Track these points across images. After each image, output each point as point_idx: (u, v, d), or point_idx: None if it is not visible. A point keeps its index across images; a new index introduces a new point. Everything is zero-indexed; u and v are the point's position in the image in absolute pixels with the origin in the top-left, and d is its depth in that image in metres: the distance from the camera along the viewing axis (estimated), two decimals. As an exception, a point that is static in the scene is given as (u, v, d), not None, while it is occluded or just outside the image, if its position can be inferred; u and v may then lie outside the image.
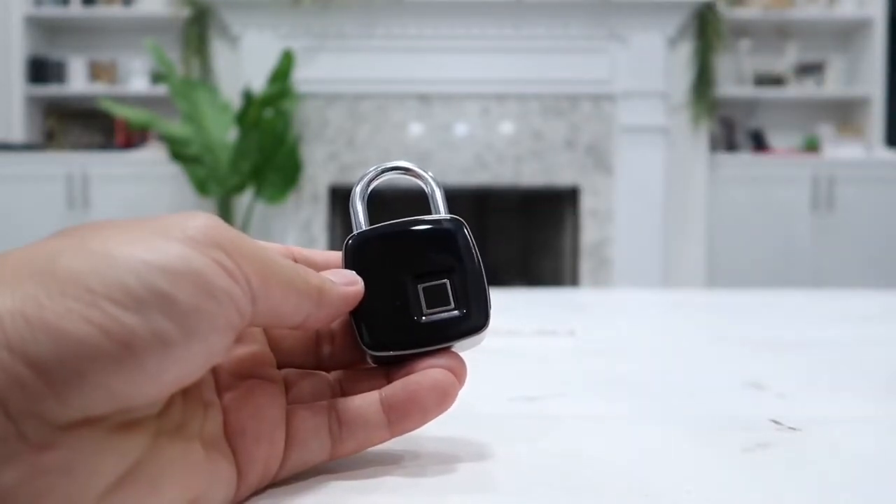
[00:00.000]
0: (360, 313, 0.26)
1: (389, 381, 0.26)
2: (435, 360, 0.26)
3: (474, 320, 0.27)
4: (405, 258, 0.27)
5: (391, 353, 0.26)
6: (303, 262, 0.27)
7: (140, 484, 0.18)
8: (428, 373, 0.25)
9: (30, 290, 0.17)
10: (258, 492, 0.23)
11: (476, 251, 0.27)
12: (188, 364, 0.19)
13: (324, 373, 0.27)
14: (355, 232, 0.28)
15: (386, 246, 0.27)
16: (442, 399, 0.25)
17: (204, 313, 0.19)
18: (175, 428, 0.20)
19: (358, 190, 0.28)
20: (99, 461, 0.17)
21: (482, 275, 0.27)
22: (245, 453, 0.23)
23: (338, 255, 0.27)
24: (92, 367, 0.17)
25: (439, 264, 0.27)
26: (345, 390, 0.27)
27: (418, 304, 0.27)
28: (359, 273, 0.26)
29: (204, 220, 0.20)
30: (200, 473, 0.21)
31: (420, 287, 0.27)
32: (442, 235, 0.27)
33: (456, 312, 0.27)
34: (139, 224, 0.20)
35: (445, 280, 0.27)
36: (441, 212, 0.28)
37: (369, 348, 0.26)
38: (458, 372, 0.26)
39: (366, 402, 0.25)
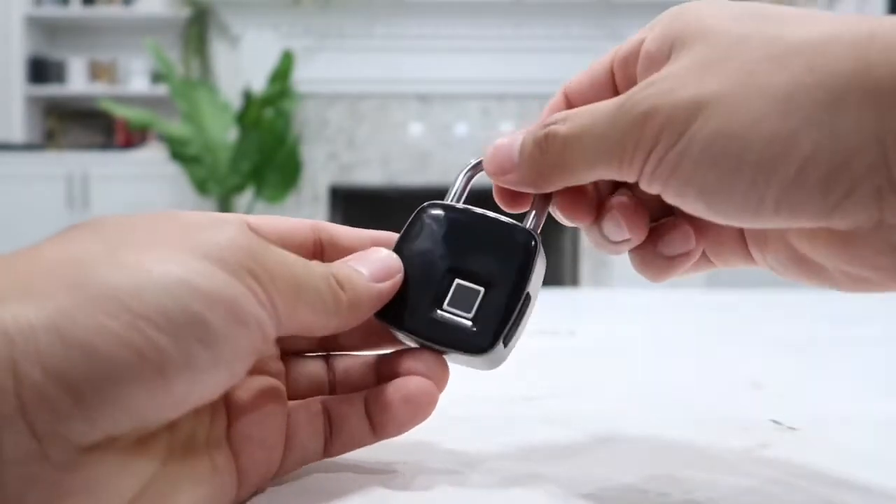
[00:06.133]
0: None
1: (378, 382, 0.26)
2: (415, 364, 0.25)
3: (475, 340, 0.25)
4: (460, 246, 0.26)
5: (393, 329, 0.26)
6: (328, 244, 0.26)
7: (154, 501, 0.18)
8: (402, 384, 0.24)
9: (63, 303, 0.16)
10: (256, 492, 0.23)
11: (531, 277, 0.25)
12: (211, 387, 0.19)
13: (321, 364, 0.27)
14: (440, 202, 0.27)
15: (453, 225, 0.26)
16: (414, 413, 0.24)
17: (233, 340, 0.19)
18: (185, 440, 0.20)
19: (469, 166, 0.28)
20: (117, 481, 0.17)
21: (517, 303, 0.25)
22: (247, 457, 0.22)
23: (368, 235, 0.27)
24: (123, 388, 0.16)
25: (486, 270, 0.25)
26: (339, 385, 0.26)
27: (443, 295, 0.25)
28: (413, 235, 0.26)
29: (235, 236, 0.20)
30: (207, 483, 0.21)
31: (456, 281, 0.25)
32: (508, 245, 0.26)
33: (468, 324, 0.25)
34: (168, 231, 0.20)
35: (481, 289, 0.25)
36: (529, 221, 0.27)
37: (379, 315, 0.25)
38: (438, 378, 0.25)
39: (352, 407, 0.25)
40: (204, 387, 0.18)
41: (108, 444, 0.17)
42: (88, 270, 0.17)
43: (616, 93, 0.25)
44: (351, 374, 0.27)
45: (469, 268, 0.25)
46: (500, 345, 0.25)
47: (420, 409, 0.24)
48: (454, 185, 0.28)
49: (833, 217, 0.19)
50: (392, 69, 3.23)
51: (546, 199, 0.26)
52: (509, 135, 0.25)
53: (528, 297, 0.25)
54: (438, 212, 0.26)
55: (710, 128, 0.20)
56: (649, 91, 0.22)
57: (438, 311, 0.25)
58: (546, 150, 0.24)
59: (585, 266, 3.28)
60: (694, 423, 0.32)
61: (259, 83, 3.03)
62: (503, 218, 0.26)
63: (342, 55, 3.22)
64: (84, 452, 0.16)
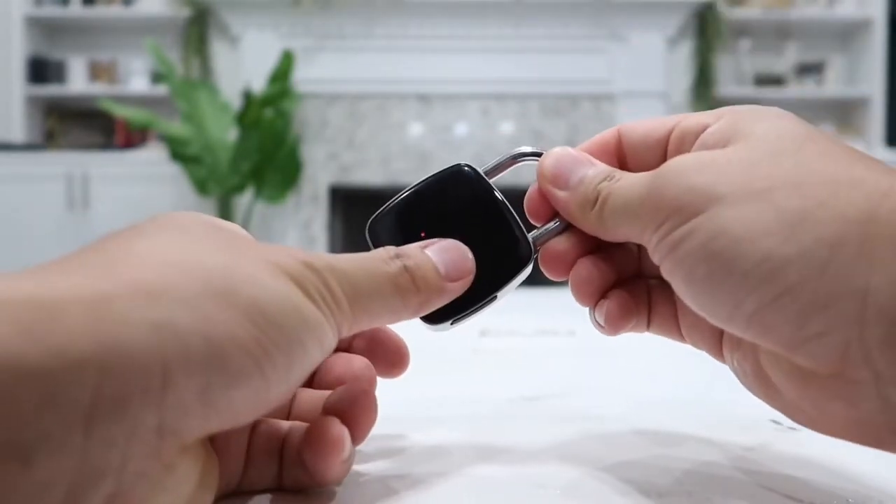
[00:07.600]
0: None
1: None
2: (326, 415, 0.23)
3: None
4: (471, 220, 0.27)
5: (373, 245, 0.26)
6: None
7: (200, 496, 0.19)
8: (311, 429, 0.23)
9: (210, 312, 0.17)
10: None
11: (507, 285, 0.26)
12: (284, 400, 0.20)
13: None
14: (477, 170, 0.28)
15: (475, 199, 0.27)
16: (324, 457, 0.22)
17: (315, 362, 0.20)
18: (206, 440, 0.21)
19: (519, 151, 0.28)
20: (190, 479, 0.18)
21: (482, 300, 0.26)
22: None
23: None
24: (237, 393, 0.17)
25: (476, 255, 0.25)
26: (292, 414, 0.25)
27: None
28: (441, 184, 0.27)
29: (300, 255, 0.20)
30: (217, 476, 0.21)
31: None
32: (507, 247, 0.26)
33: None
34: (242, 242, 0.21)
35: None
36: (538, 233, 0.27)
37: (370, 230, 0.27)
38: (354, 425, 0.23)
39: (293, 437, 0.23)
40: (283, 398, 0.19)
41: (190, 445, 0.18)
42: (224, 279, 0.18)
43: (664, 159, 0.25)
44: (304, 401, 0.26)
45: (466, 243, 0.26)
46: (448, 323, 0.26)
47: (329, 450, 0.22)
48: (496, 160, 0.28)
49: (798, 352, 0.20)
50: (392, 69, 3.23)
51: (566, 227, 0.27)
52: (570, 153, 0.26)
53: (493, 298, 0.26)
54: (473, 178, 0.27)
55: (715, 224, 0.21)
56: (674, 167, 0.22)
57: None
58: (594, 203, 0.25)
59: (585, 266, 3.28)
60: (694, 422, 0.32)
61: (259, 83, 3.03)
62: (516, 219, 0.27)
63: (342, 55, 3.22)
64: (181, 454, 0.17)
